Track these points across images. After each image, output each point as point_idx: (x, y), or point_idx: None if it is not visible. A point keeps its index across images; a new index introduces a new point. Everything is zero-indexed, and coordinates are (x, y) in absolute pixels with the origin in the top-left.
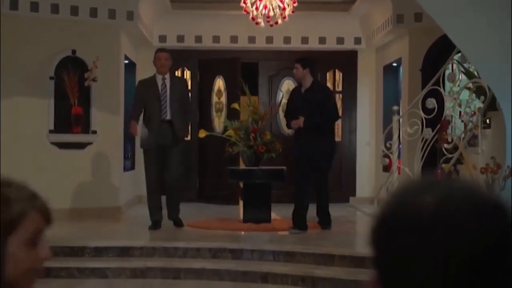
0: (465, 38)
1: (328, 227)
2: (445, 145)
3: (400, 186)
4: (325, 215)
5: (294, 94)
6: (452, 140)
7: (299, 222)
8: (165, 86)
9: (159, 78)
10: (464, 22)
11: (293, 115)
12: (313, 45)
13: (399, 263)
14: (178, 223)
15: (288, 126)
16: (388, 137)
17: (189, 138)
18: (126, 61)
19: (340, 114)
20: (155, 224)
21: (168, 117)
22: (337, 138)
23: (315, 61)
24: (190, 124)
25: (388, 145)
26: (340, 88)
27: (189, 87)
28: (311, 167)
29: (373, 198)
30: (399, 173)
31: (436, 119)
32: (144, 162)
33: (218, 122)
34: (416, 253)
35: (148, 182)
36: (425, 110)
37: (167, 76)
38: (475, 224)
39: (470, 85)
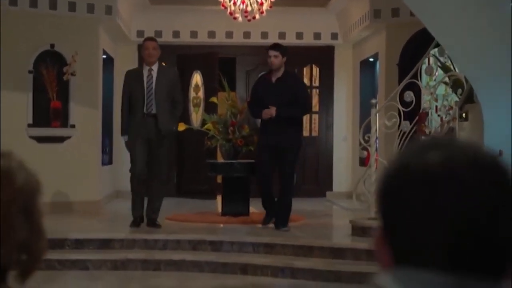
0: (444, 31)
1: (285, 226)
2: (423, 137)
3: (406, 146)
4: (286, 213)
5: (261, 84)
6: (430, 132)
7: (270, 211)
8: (151, 77)
9: (145, 69)
10: (443, 14)
11: (261, 105)
12: (290, 40)
13: (405, 218)
14: (153, 223)
15: (255, 115)
16: (366, 130)
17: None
18: (104, 56)
19: (316, 108)
20: (137, 221)
21: (153, 111)
22: (314, 133)
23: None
24: (178, 117)
25: (366, 138)
26: (317, 84)
27: None
28: (275, 159)
29: (349, 192)
30: (376, 167)
31: (413, 112)
32: (129, 156)
33: (196, 116)
34: (422, 208)
35: (132, 176)
36: (403, 103)
37: (155, 67)
38: (480, 180)
39: (447, 79)
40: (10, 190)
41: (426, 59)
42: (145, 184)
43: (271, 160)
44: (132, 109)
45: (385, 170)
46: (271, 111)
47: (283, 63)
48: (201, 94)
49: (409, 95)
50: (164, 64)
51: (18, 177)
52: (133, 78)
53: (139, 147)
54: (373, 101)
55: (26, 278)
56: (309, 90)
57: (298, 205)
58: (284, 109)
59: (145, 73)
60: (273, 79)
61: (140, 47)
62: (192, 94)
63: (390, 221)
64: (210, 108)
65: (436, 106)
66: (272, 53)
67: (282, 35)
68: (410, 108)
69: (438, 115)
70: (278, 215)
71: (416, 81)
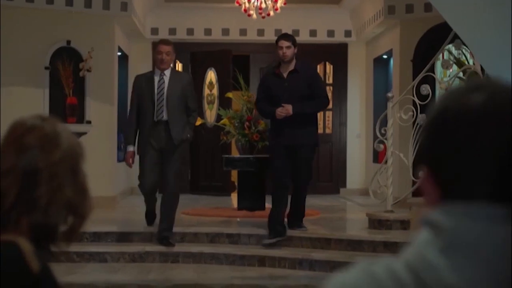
0: (462, 21)
1: (302, 227)
2: None
3: (450, 89)
4: (301, 213)
5: (271, 80)
6: None
7: (276, 228)
8: (163, 82)
9: (157, 74)
10: (461, 3)
11: (273, 103)
12: (304, 37)
13: (451, 155)
14: (166, 242)
15: (266, 115)
16: (382, 124)
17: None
18: (119, 53)
19: (330, 105)
20: (150, 219)
21: (165, 117)
22: (328, 130)
23: None
24: (192, 125)
25: (383, 131)
26: (330, 81)
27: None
28: (292, 162)
29: (363, 189)
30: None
31: (429, 106)
32: (139, 167)
33: (210, 114)
34: (467, 146)
35: (142, 189)
36: (419, 96)
37: (168, 72)
38: None
39: (461, 74)
40: (57, 151)
41: (440, 55)
42: (155, 195)
43: (288, 163)
44: (142, 117)
45: (431, 113)
46: (287, 109)
47: (294, 55)
48: (215, 91)
49: (426, 88)
50: (177, 70)
51: (63, 140)
52: (143, 83)
53: (149, 160)
54: (389, 94)
55: (73, 235)
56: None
57: (313, 201)
58: (300, 106)
59: (157, 78)
60: (285, 73)
61: (155, 45)
62: (206, 91)
63: (437, 159)
64: (224, 104)
65: None
66: (284, 43)
67: (295, 33)
68: (427, 101)
69: None
70: (293, 216)
71: (432, 74)
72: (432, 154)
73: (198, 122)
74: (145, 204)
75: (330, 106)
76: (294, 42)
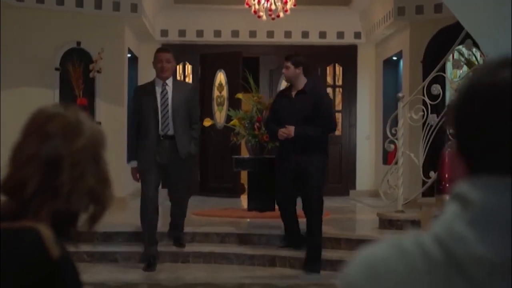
0: (473, 19)
1: (316, 272)
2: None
3: (478, 66)
4: (316, 254)
5: (280, 99)
6: None
7: (294, 242)
8: (166, 93)
9: (159, 84)
10: (473, 2)
11: (280, 124)
12: (314, 39)
13: (478, 131)
14: (179, 243)
15: (271, 137)
16: (392, 124)
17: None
18: (129, 55)
19: (339, 107)
20: (150, 262)
21: (170, 131)
22: (337, 132)
23: (307, 60)
24: (196, 139)
25: (393, 131)
26: (340, 83)
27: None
28: (298, 186)
29: (372, 191)
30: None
31: (438, 107)
32: (140, 184)
33: (219, 115)
34: (494, 121)
35: (143, 208)
36: (430, 96)
37: (169, 81)
38: None
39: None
40: (80, 140)
41: (451, 56)
42: (157, 212)
43: (293, 188)
44: (143, 131)
45: (459, 89)
46: (289, 131)
47: (298, 75)
48: (224, 93)
49: (436, 88)
50: (179, 80)
51: (86, 128)
52: (145, 94)
53: (152, 176)
54: (400, 94)
55: (94, 223)
56: (333, 88)
57: None
58: (303, 128)
59: (159, 88)
60: (293, 93)
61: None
62: (215, 93)
63: (465, 133)
64: (234, 105)
65: None
66: (284, 63)
67: (305, 34)
68: (437, 101)
69: None
70: (307, 256)
71: (443, 74)
72: (461, 128)
73: (208, 123)
74: (145, 246)
75: (340, 108)
76: (295, 62)
